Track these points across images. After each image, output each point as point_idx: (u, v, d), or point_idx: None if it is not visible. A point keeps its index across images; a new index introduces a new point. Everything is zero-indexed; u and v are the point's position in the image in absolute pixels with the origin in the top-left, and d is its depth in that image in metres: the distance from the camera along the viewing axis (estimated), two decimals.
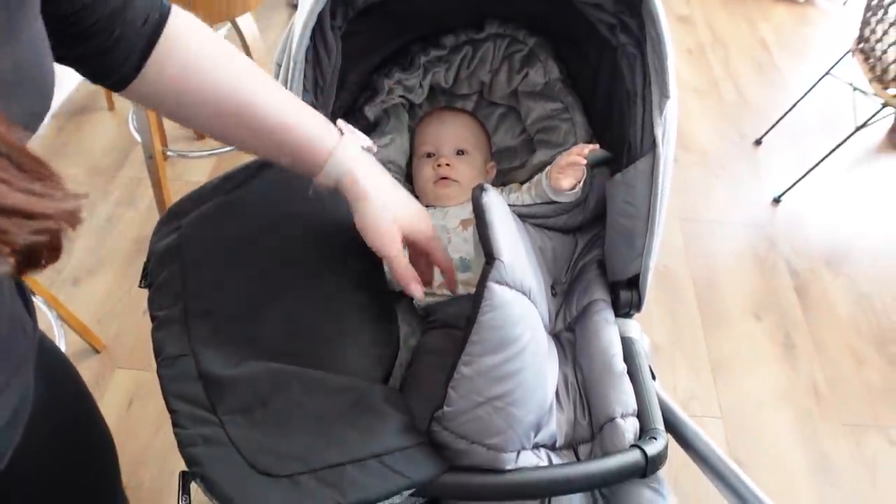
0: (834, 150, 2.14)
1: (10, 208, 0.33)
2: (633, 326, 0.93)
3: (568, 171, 0.94)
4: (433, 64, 1.11)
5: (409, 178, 1.15)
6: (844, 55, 2.23)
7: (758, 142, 2.50)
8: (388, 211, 0.74)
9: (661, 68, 0.83)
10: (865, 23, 2.08)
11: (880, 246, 2.19)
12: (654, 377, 0.99)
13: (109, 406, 1.66)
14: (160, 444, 1.59)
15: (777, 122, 2.45)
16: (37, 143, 2.40)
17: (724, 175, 2.39)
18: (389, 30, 1.06)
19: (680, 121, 2.51)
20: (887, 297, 2.03)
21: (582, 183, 0.97)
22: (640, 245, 0.88)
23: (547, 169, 0.99)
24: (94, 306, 1.87)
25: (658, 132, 0.85)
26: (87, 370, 1.73)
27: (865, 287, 2.06)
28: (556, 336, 0.96)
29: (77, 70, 0.62)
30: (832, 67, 2.29)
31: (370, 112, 1.10)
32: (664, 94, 0.84)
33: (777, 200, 2.28)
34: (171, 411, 0.65)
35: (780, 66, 2.92)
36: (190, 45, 0.65)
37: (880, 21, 1.99)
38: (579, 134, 1.06)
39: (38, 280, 1.70)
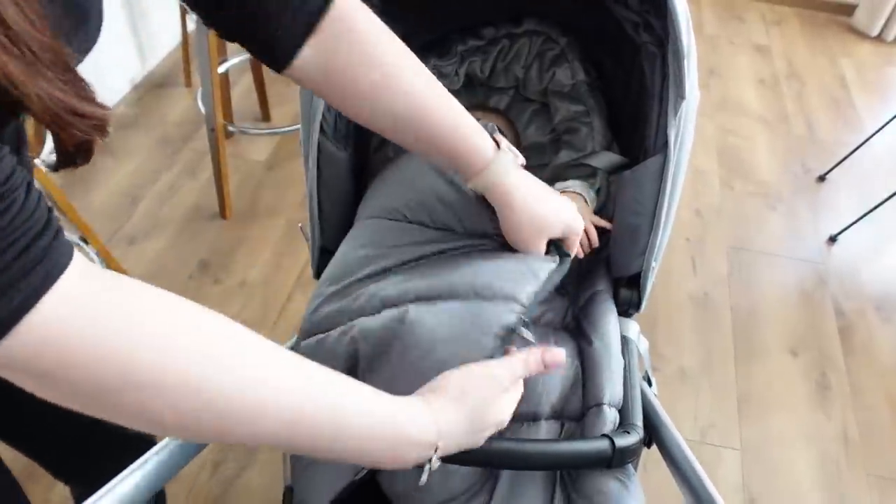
0: None
1: (79, 111, 0.40)
2: (632, 326, 0.94)
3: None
4: (470, 53, 1.14)
5: None
6: None
7: (821, 178, 2.43)
8: (533, 225, 0.77)
9: (678, 68, 0.83)
10: None
11: None
12: (650, 383, 0.99)
13: None
14: None
15: (843, 159, 2.37)
16: (115, 112, 2.55)
17: (782, 208, 2.33)
18: (430, 17, 1.10)
19: (742, 149, 2.46)
20: None
21: (598, 189, 0.98)
22: (644, 243, 0.89)
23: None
24: (144, 266, 1.96)
25: (671, 133, 0.85)
26: None
27: None
28: (565, 328, 0.96)
29: (244, 45, 0.63)
30: None
31: None
32: (680, 95, 0.84)
33: (833, 239, 2.21)
34: None
35: (857, 105, 2.83)
36: (357, 30, 0.63)
37: None
38: (597, 139, 1.07)
39: (97, 234, 1.81)
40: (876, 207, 2.11)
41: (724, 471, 1.64)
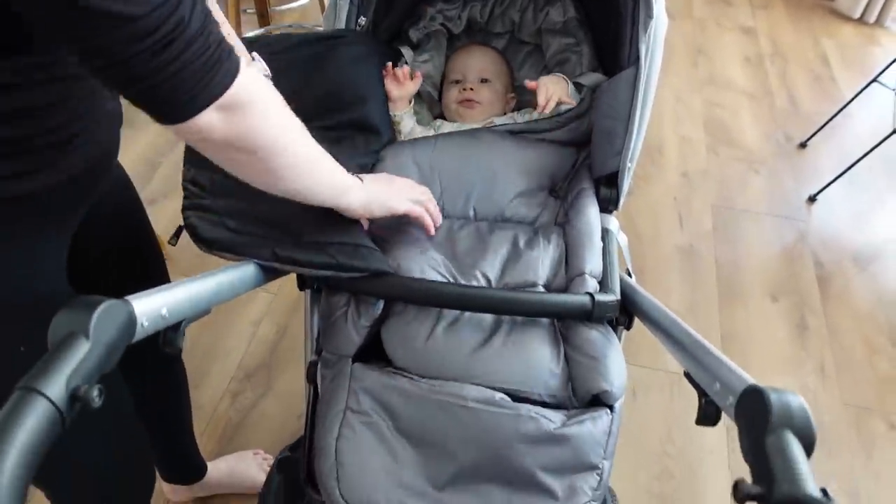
0: (870, 151, 2.19)
1: None
2: (612, 221, 1.06)
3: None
4: None
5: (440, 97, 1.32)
6: (893, 62, 2.28)
7: (802, 145, 2.56)
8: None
9: None
10: None
11: None
12: (630, 275, 1.11)
13: None
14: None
15: (823, 125, 2.51)
16: None
17: (764, 171, 2.46)
18: None
19: (727, 120, 2.58)
20: None
21: (581, 99, 1.12)
22: (620, 144, 1.02)
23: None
24: (163, 225, 2.09)
25: (642, 48, 0.98)
26: None
27: (890, 286, 2.10)
28: (559, 225, 1.08)
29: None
30: (880, 74, 2.34)
31: (413, 35, 1.28)
32: (648, 15, 0.98)
33: (812, 199, 2.34)
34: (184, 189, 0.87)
35: (838, 80, 2.97)
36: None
37: None
38: (584, 63, 1.21)
39: None
40: (851, 167, 2.24)
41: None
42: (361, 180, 0.89)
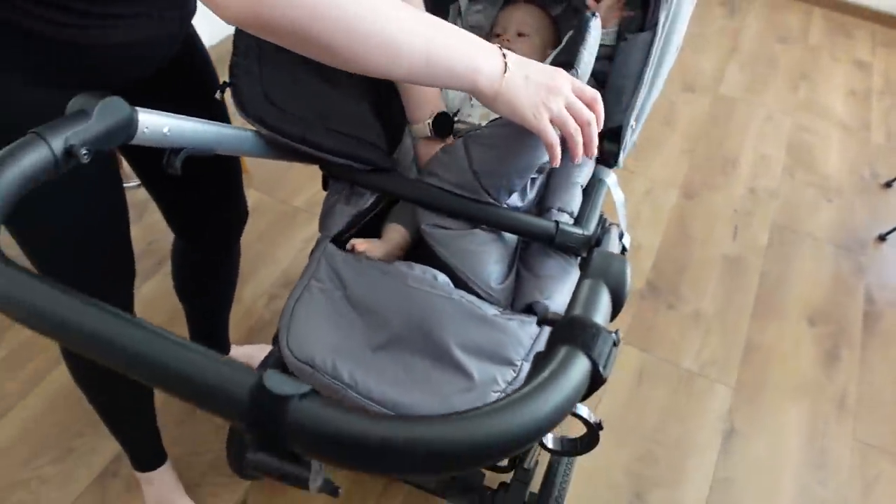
0: None
1: None
2: (609, 174, 1.12)
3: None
4: None
5: None
6: None
7: (888, 184, 2.47)
8: None
9: None
10: None
11: None
12: (622, 234, 1.17)
13: None
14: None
15: None
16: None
17: (837, 201, 2.39)
18: None
19: (814, 146, 2.53)
20: None
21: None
22: (626, 102, 1.07)
23: None
24: None
25: (661, 15, 1.04)
26: None
27: None
28: None
29: None
30: None
31: None
32: None
33: (882, 238, 2.26)
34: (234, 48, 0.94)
35: None
36: None
37: None
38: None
39: None
40: None
41: (711, 402, 1.77)
42: (504, 56, 0.81)
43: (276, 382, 0.40)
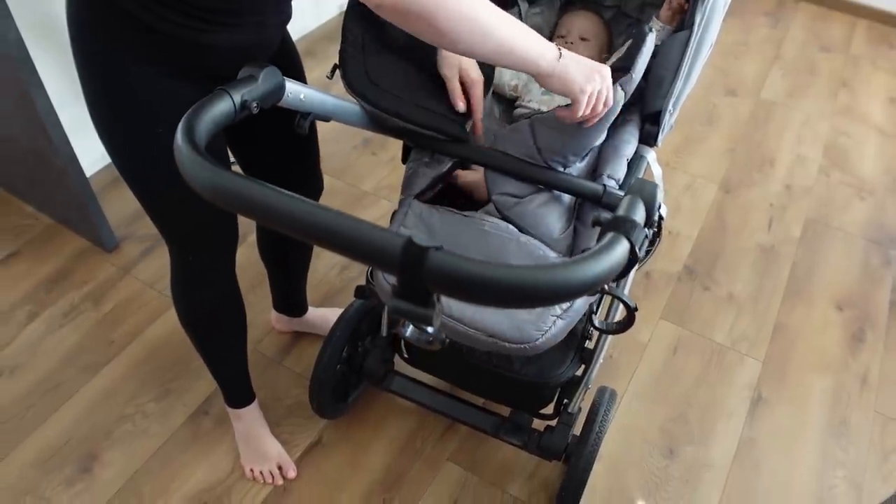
0: None
1: None
2: (650, 151, 1.31)
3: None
4: None
5: None
6: None
7: None
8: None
9: None
10: None
11: None
12: (660, 206, 1.36)
13: None
14: None
15: None
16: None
17: (871, 200, 2.53)
18: None
19: (850, 149, 2.66)
20: None
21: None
22: (666, 89, 1.27)
23: None
24: None
25: (697, 16, 1.23)
26: None
27: None
28: None
29: None
30: None
31: None
32: None
33: None
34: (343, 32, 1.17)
35: None
36: None
37: None
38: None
39: None
40: None
41: (741, 373, 1.94)
42: (560, 53, 1.02)
43: (420, 240, 0.61)
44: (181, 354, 1.90)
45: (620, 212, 0.69)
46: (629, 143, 1.27)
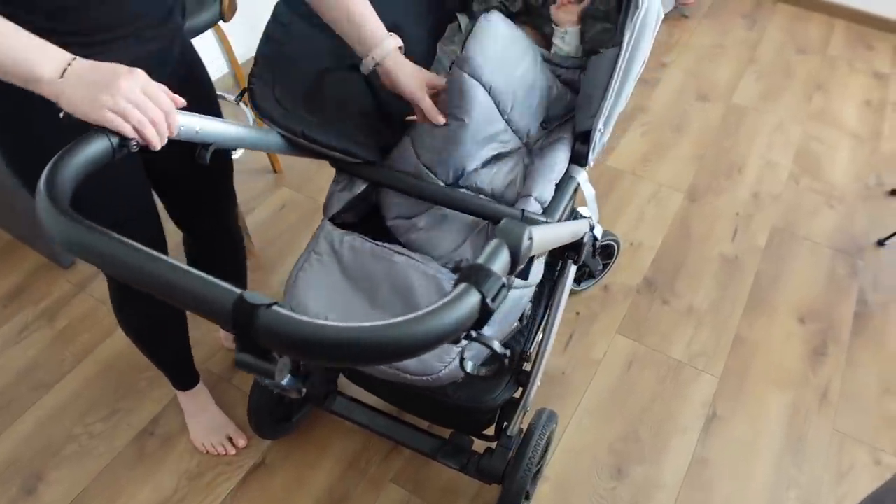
0: None
1: None
2: (580, 172, 1.28)
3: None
4: None
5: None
6: None
7: (893, 192, 2.55)
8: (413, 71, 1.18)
9: None
10: None
11: None
12: (591, 228, 1.32)
13: (266, 209, 2.28)
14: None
15: None
16: None
17: (840, 208, 2.49)
18: None
19: (821, 154, 2.62)
20: None
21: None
22: (595, 108, 1.23)
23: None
24: None
25: (626, 33, 1.19)
26: (263, 183, 2.37)
27: None
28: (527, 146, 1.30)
29: None
30: None
31: (476, 6, 1.55)
32: (636, 6, 1.18)
33: (881, 243, 2.35)
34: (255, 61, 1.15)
35: None
36: None
37: None
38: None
39: None
40: None
41: (696, 389, 1.90)
42: (68, 65, 0.83)
43: (251, 296, 0.58)
44: (130, 373, 1.89)
45: (481, 259, 0.66)
46: (559, 163, 1.24)
